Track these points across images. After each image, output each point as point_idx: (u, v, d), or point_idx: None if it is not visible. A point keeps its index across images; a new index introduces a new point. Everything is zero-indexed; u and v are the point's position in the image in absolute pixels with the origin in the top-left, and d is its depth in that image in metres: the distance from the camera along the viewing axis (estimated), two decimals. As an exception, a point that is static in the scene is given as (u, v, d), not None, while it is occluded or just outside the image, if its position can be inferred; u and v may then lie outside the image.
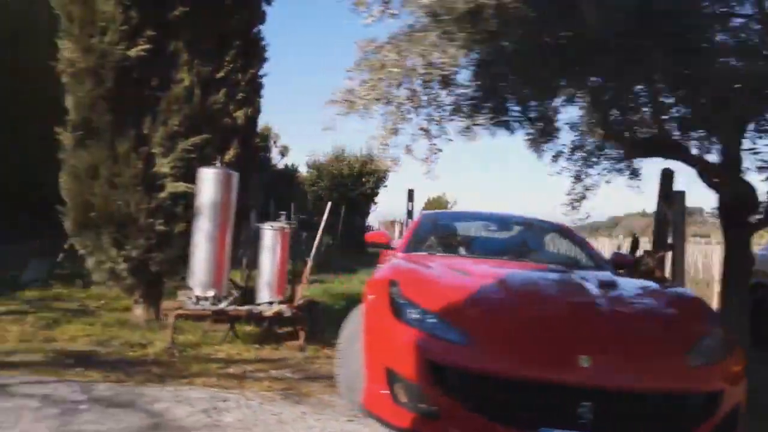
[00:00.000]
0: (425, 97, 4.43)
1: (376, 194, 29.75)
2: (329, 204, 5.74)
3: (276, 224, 4.82)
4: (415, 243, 4.25)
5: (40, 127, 5.52)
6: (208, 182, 4.53)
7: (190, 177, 4.69)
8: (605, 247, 13.84)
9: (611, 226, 61.26)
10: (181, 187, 4.65)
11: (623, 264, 4.49)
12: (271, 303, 4.70)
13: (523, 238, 4.83)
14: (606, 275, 3.72)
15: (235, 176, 4.64)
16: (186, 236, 4.81)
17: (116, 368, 3.77)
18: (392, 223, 23.50)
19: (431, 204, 35.47)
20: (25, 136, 8.49)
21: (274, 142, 35.74)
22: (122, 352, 4.17)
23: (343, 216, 21.85)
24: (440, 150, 4.69)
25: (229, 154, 4.90)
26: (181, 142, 4.64)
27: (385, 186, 28.99)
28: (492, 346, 2.65)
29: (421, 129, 4.60)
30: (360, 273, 10.69)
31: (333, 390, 3.48)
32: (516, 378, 2.53)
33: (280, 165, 36.13)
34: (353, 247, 18.60)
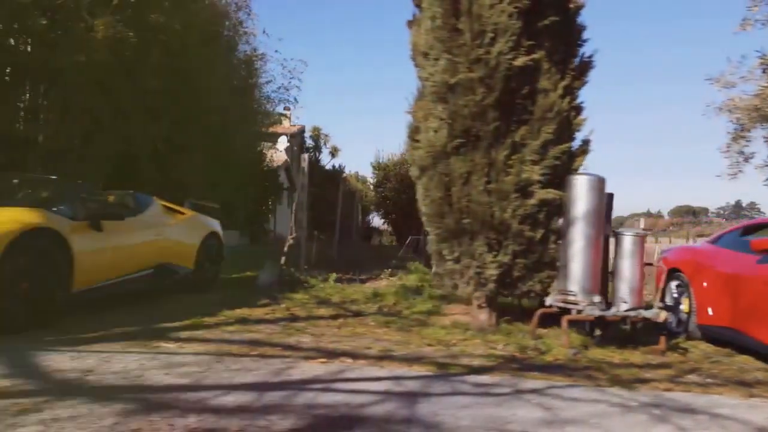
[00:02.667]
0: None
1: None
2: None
3: (636, 231, 4.89)
4: None
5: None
6: (583, 188, 4.61)
7: (554, 184, 4.78)
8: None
9: (615, 225, 61.06)
10: (550, 193, 4.72)
11: None
12: (635, 309, 4.76)
13: None
14: None
15: (605, 181, 4.71)
16: (544, 242, 4.90)
17: (553, 372, 3.86)
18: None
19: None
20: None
21: (324, 143, 35.88)
22: (533, 357, 4.25)
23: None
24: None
25: (578, 160, 4.98)
26: (551, 149, 4.71)
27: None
28: None
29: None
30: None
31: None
32: None
33: (328, 166, 36.14)
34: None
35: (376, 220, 42.09)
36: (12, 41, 7.67)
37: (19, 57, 7.28)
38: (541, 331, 4.87)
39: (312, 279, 8.49)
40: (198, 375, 3.07)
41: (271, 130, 19.88)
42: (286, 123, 26.92)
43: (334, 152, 36.15)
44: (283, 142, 27.14)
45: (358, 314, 5.59)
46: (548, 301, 4.80)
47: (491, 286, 4.84)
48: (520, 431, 2.58)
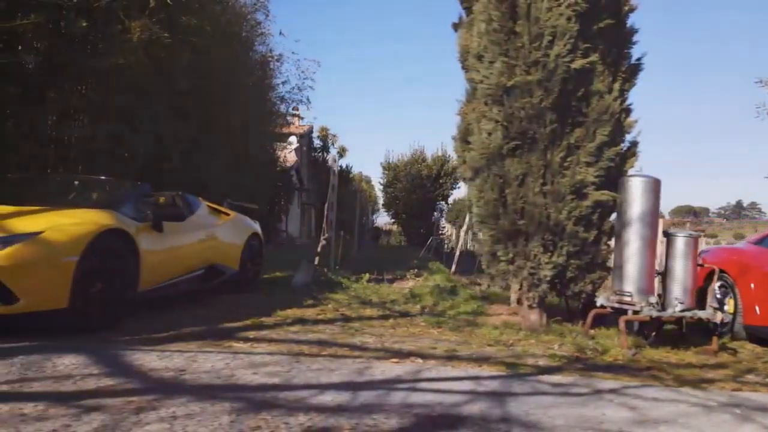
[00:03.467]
0: None
1: (450, 195, 29.81)
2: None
3: (689, 232, 4.92)
4: None
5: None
6: (639, 190, 4.65)
7: (607, 185, 4.82)
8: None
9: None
10: (605, 195, 4.76)
11: None
12: (690, 309, 4.80)
13: None
14: None
15: (660, 183, 4.75)
16: (596, 244, 4.93)
17: (618, 372, 3.89)
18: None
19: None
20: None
21: (332, 143, 35.92)
22: (593, 357, 4.28)
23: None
24: None
25: (629, 162, 5.02)
26: (606, 151, 4.75)
27: (458, 187, 29.11)
28: None
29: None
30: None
31: None
32: None
33: (335, 166, 36.14)
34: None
35: (379, 220, 42.23)
36: (47, 43, 7.73)
37: (58, 58, 7.31)
38: (590, 331, 4.91)
39: (344, 279, 8.55)
40: (285, 375, 3.11)
41: (284, 130, 19.97)
42: (294, 122, 26.95)
43: (341, 152, 36.18)
44: (293, 143, 27.20)
45: (405, 315, 5.63)
46: (599, 301, 4.84)
47: (544, 286, 4.88)
48: (616, 431, 2.62)
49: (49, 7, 7.09)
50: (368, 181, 46.75)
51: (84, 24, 7.20)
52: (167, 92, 8.97)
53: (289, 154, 25.49)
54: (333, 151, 35.98)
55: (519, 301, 5.37)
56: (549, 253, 4.76)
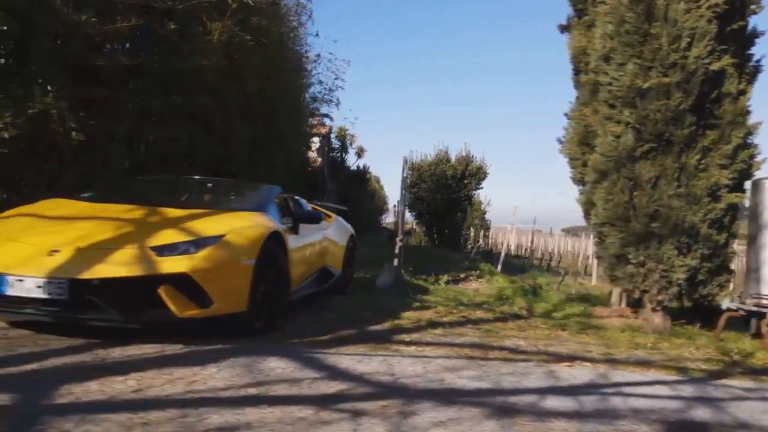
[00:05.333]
0: None
1: (473, 195, 29.80)
2: None
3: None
4: None
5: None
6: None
7: (738, 187, 4.81)
8: None
9: None
10: (738, 197, 4.74)
11: None
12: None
13: None
14: None
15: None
16: (726, 246, 4.91)
17: None
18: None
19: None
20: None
21: (350, 144, 35.90)
22: (745, 360, 4.26)
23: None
24: None
25: (757, 164, 5.00)
26: (740, 153, 4.73)
27: (482, 188, 29.06)
28: None
29: None
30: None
31: None
32: None
33: (353, 166, 36.19)
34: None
35: (387, 219, 42.15)
36: (128, 45, 7.74)
37: (146, 60, 7.31)
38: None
39: (420, 281, 8.55)
40: (486, 378, 3.09)
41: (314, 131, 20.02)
42: (322, 123, 27.00)
43: (360, 153, 36.16)
44: (315, 143, 27.26)
45: (517, 316, 5.61)
46: (725, 304, 4.83)
47: (674, 289, 4.87)
48: None
49: (139, 9, 7.11)
50: (378, 181, 46.64)
51: (172, 26, 7.21)
52: (238, 93, 9.02)
53: (312, 154, 25.55)
54: (351, 152, 36.01)
55: (630, 302, 5.36)
56: (682, 256, 4.74)
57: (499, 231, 29.96)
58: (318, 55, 17.07)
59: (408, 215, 34.96)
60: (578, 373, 3.41)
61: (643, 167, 4.74)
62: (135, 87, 7.67)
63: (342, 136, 35.10)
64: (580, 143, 5.37)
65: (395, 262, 7.99)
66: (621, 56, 4.79)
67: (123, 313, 3.07)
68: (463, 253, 22.98)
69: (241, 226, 3.63)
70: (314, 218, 4.75)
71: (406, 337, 4.12)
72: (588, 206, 5.34)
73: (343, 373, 2.97)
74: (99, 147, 6.93)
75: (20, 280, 2.98)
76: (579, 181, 5.57)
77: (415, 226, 34.16)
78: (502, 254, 16.07)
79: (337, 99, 20.21)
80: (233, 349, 3.26)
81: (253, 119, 10.06)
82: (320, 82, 17.60)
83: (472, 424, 2.33)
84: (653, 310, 5.11)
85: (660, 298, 4.91)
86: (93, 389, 2.40)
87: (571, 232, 43.54)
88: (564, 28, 5.83)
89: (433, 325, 4.69)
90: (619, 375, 3.45)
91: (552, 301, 7.03)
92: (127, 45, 7.16)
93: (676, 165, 4.68)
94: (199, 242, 3.31)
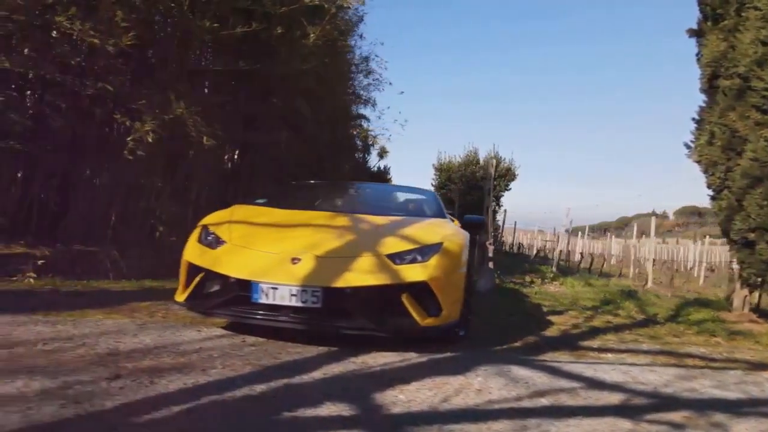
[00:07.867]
0: None
1: (502, 196, 29.81)
2: None
3: None
4: None
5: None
6: None
7: None
8: None
9: (620, 226, 60.93)
10: None
11: None
12: None
13: None
14: None
15: None
16: None
17: None
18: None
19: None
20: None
21: (372, 144, 35.88)
22: None
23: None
24: None
25: None
26: None
27: (509, 189, 29.07)
28: None
29: None
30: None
31: None
32: None
33: (374, 168, 36.22)
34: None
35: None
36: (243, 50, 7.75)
37: (253, 65, 7.31)
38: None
39: (510, 284, 8.56)
40: (734, 387, 3.08)
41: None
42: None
43: (382, 153, 36.10)
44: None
45: (653, 322, 5.59)
46: None
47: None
48: None
49: (244, 14, 7.13)
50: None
51: (279, 30, 7.22)
52: (328, 97, 9.09)
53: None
54: (373, 153, 35.98)
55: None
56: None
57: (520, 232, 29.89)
58: (365, 58, 17.18)
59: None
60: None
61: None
62: (244, 92, 7.74)
63: (364, 136, 35.10)
64: (725, 148, 5.36)
65: (490, 265, 7.99)
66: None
67: (371, 321, 3.08)
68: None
69: (446, 233, 3.60)
70: (481, 225, 4.74)
71: (589, 344, 4.11)
72: (730, 212, 5.33)
73: (598, 382, 2.95)
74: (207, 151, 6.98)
75: (274, 288, 2.99)
76: (717, 186, 5.55)
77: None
78: (556, 257, 16.12)
79: (374, 100, 20.22)
80: (457, 357, 3.26)
81: (330, 124, 10.20)
82: (368, 84, 17.68)
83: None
84: None
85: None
86: (406, 399, 2.39)
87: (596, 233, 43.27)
88: (695, 33, 5.81)
89: (594, 331, 4.69)
90: None
91: (659, 305, 7.01)
92: (242, 49, 7.15)
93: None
94: (425, 250, 3.30)
